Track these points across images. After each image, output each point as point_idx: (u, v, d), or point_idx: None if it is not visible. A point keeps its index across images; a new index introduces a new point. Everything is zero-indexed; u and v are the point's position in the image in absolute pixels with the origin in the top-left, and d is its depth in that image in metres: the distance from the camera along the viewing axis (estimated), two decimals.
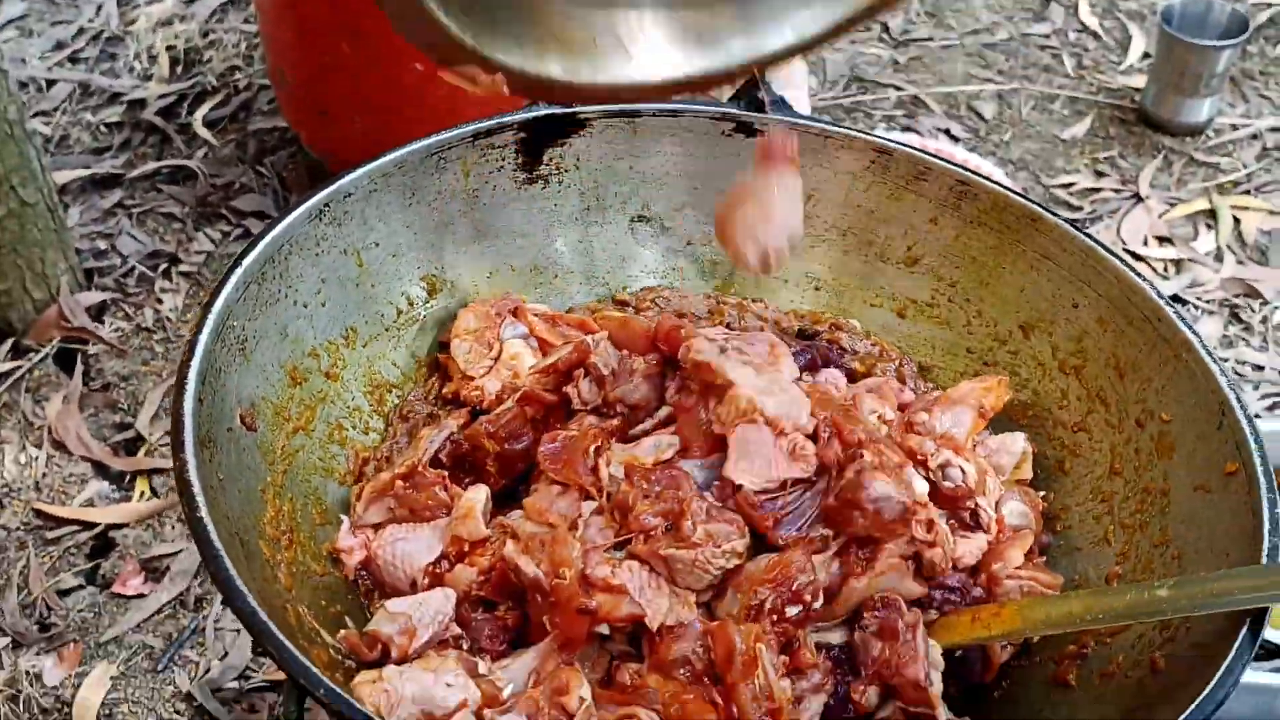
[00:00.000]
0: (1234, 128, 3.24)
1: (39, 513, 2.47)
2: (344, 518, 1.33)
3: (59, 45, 3.54)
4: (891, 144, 1.53)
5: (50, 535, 2.45)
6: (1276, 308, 2.79)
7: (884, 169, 1.54)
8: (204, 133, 3.27)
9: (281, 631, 1.07)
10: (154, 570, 2.39)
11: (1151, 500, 1.32)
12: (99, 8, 3.64)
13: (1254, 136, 3.22)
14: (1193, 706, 1.05)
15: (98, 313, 2.85)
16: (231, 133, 3.29)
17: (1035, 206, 1.46)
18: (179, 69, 3.45)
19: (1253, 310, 2.79)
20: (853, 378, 1.51)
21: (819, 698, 1.18)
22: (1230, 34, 3.10)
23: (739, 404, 1.27)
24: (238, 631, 2.28)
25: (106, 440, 2.61)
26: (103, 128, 3.31)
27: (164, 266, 2.95)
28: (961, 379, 1.52)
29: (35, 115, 3.28)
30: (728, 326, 1.54)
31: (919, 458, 1.32)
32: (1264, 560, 1.14)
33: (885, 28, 3.59)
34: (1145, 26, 3.53)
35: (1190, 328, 1.33)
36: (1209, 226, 2.99)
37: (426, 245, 1.49)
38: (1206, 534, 1.24)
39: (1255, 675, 2.06)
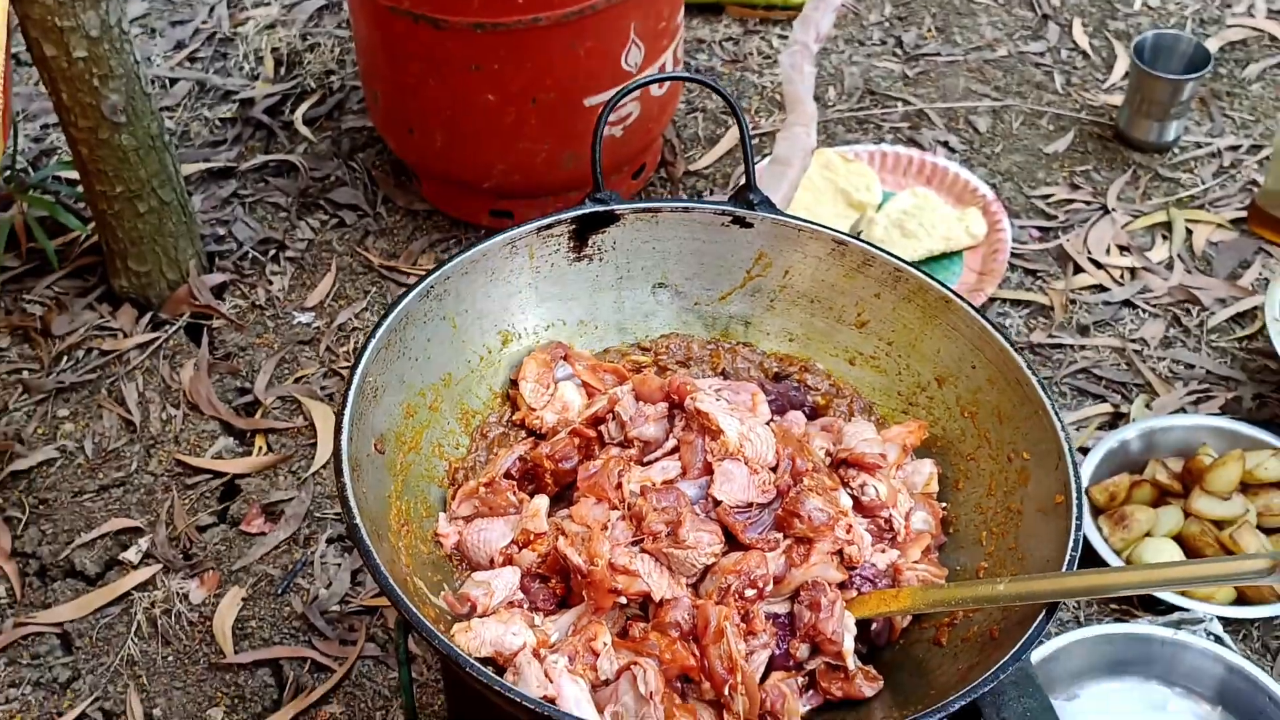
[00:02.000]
0: (1197, 145, 3.69)
1: (179, 462, 3.03)
2: (442, 514, 1.89)
3: (179, 45, 4.06)
4: (845, 237, 2.03)
5: (189, 482, 3.01)
6: (1212, 314, 3.26)
7: (841, 255, 2.04)
8: (304, 130, 3.79)
9: (406, 598, 1.63)
10: (272, 513, 2.95)
11: (1011, 517, 1.84)
12: (211, 9, 4.15)
13: (1214, 155, 3.66)
14: (1003, 660, 1.58)
15: (219, 291, 3.40)
16: (327, 130, 3.80)
17: (947, 291, 1.96)
18: (282, 70, 3.96)
19: (1191, 315, 3.27)
20: (815, 412, 2.04)
21: (765, 652, 1.73)
22: (1195, 65, 3.55)
23: (728, 446, 1.81)
24: (339, 565, 2.84)
25: (230, 403, 3.17)
26: (217, 123, 3.83)
27: (273, 252, 3.49)
28: (893, 414, 2.05)
29: (161, 109, 3.79)
30: (723, 373, 2.07)
31: (845, 480, 1.86)
32: (1064, 568, 1.67)
33: (899, 42, 4.05)
34: (1129, 46, 3.95)
35: (1047, 393, 1.84)
36: (1164, 237, 3.45)
37: (501, 309, 2.01)
38: (1041, 544, 1.75)
39: (1150, 628, 2.60)
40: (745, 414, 1.87)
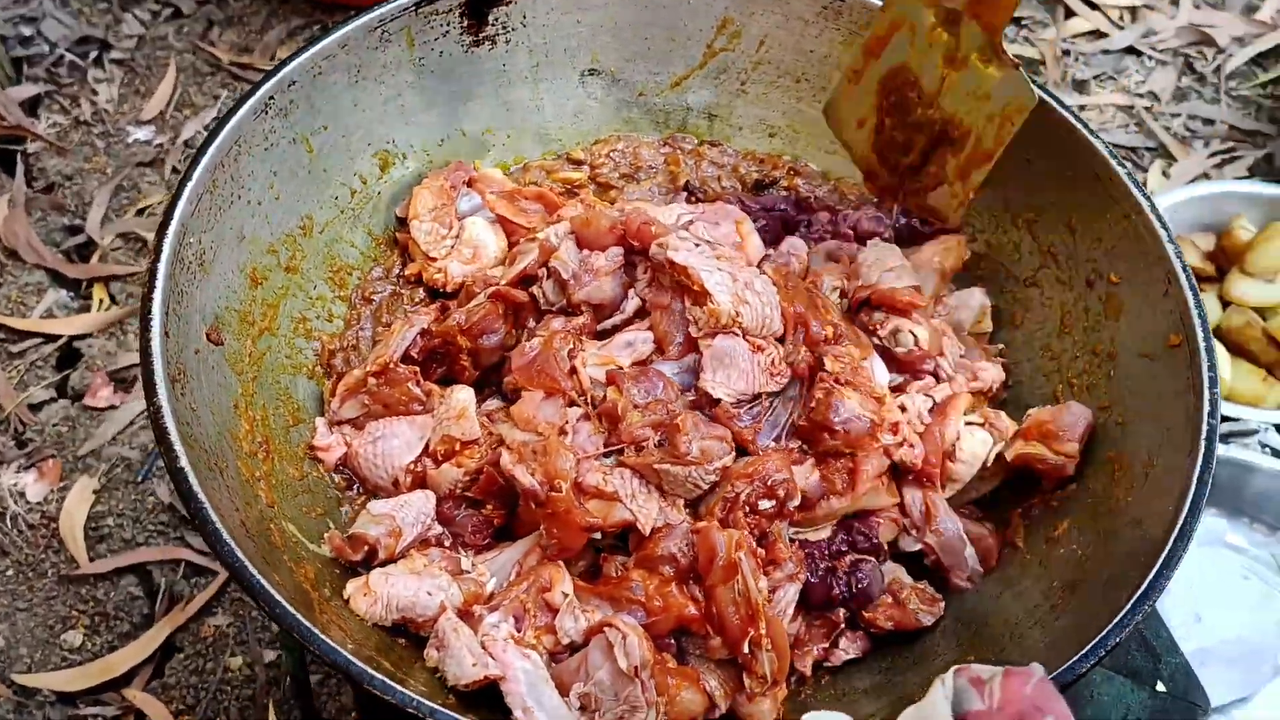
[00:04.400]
0: None
1: (1, 326, 2.47)
2: (319, 418, 1.36)
3: None
4: None
5: (15, 349, 2.45)
6: (1230, 55, 2.76)
7: (836, 14, 1.50)
8: None
9: (267, 555, 1.12)
10: (122, 380, 2.40)
11: (1099, 363, 1.36)
12: None
13: None
14: (1121, 615, 1.13)
15: (32, 107, 2.77)
16: None
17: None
18: None
19: (1206, 59, 2.77)
20: (801, 209, 1.51)
21: (794, 585, 1.25)
22: None
23: (719, 317, 1.28)
24: None
25: (59, 246, 2.59)
26: None
27: (95, 54, 2.86)
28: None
29: None
30: (686, 187, 1.53)
31: (870, 328, 1.35)
32: (1201, 443, 1.18)
33: None
34: None
35: (1142, 190, 1.33)
36: None
37: (376, 121, 1.46)
38: (1150, 403, 1.28)
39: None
40: (734, 260, 1.32)
